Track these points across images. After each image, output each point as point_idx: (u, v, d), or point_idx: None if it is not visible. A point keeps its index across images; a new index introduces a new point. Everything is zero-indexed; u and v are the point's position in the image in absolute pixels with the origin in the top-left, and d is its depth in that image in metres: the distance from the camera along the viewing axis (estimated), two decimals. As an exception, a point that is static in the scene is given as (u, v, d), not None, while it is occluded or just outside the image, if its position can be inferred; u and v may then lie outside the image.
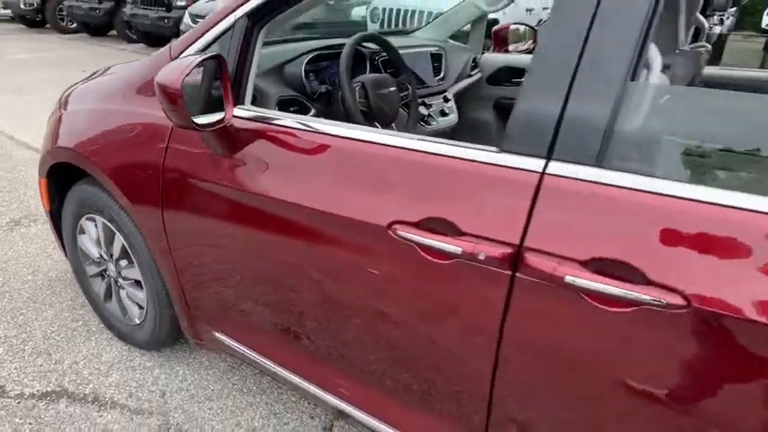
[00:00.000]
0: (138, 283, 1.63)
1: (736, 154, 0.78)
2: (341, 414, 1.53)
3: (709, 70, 1.82)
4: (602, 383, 0.79)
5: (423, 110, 1.84)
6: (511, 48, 2.38)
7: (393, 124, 1.59)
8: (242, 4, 1.14)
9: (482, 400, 0.93)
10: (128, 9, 7.94)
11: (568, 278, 0.74)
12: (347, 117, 1.43)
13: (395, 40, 1.81)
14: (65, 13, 9.39)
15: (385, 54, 1.74)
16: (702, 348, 0.69)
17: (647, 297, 0.69)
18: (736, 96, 0.82)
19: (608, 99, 0.73)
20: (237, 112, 1.16)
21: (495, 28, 2.44)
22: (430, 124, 1.85)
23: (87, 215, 1.66)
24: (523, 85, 0.82)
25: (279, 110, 1.38)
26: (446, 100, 2.04)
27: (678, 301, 0.68)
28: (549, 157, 0.78)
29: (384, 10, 5.97)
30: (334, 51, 1.49)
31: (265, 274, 1.22)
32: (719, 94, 0.88)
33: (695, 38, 1.89)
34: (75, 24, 9.51)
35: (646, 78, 0.81)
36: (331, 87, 1.52)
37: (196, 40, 1.24)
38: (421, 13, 5.64)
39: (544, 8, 5.98)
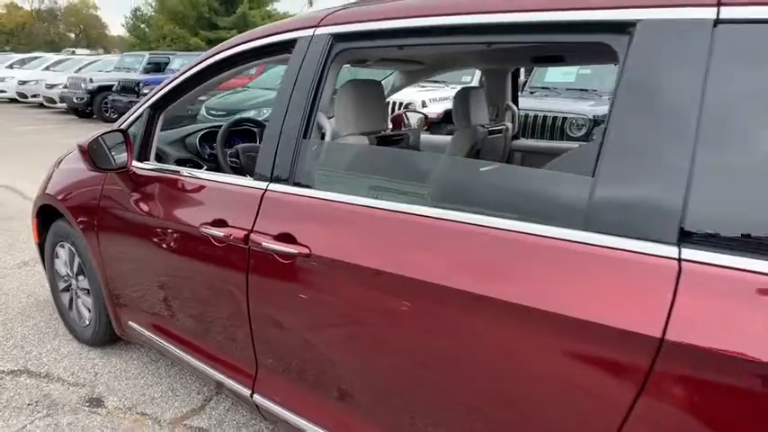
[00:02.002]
0: (88, 291, 2.25)
1: (356, 176, 1.40)
2: (218, 389, 2.05)
3: (518, 142, 2.46)
4: (294, 305, 1.35)
5: None
6: (404, 129, 3.09)
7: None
8: (147, 101, 1.86)
9: (248, 335, 1.48)
10: (160, 102, 9.35)
11: (264, 244, 1.32)
12: (223, 171, 2.09)
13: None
14: (109, 105, 10.98)
15: None
16: (319, 278, 1.26)
17: (294, 251, 1.27)
18: (368, 149, 1.43)
19: (292, 147, 1.36)
20: (142, 165, 1.84)
21: (392, 115, 3.17)
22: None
23: (60, 243, 2.33)
24: (263, 140, 1.46)
25: (176, 165, 2.07)
26: None
27: (306, 251, 1.25)
28: (270, 179, 1.40)
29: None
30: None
31: (156, 272, 1.83)
32: (351, 147, 1.50)
33: (512, 118, 2.54)
34: (117, 115, 11.05)
35: (321, 137, 1.44)
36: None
37: (125, 122, 1.96)
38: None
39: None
